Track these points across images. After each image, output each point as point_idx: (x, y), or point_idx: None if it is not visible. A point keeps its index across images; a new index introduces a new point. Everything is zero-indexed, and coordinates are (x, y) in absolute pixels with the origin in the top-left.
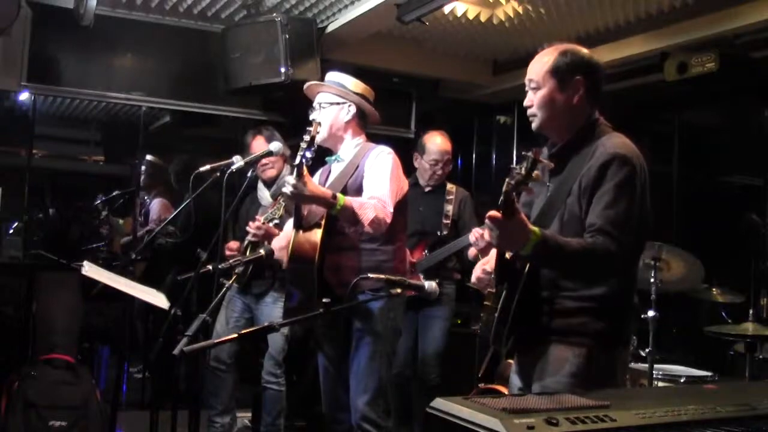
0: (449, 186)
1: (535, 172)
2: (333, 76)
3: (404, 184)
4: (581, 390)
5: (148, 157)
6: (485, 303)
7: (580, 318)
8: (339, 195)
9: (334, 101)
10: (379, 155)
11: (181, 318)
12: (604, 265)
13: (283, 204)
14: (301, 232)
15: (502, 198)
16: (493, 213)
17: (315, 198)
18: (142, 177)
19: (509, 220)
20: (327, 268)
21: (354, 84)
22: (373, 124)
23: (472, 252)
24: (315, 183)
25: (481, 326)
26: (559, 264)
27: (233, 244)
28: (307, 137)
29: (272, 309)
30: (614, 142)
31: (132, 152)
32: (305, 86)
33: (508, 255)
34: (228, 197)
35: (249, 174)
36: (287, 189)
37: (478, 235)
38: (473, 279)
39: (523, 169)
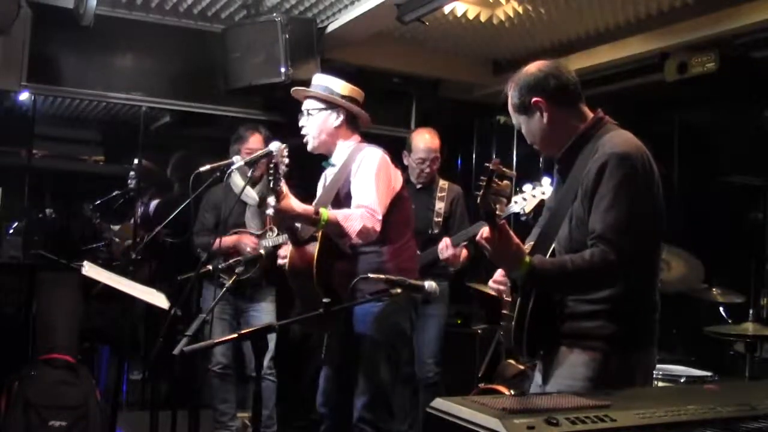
0: (441, 183)
1: (504, 181)
2: (320, 80)
3: (396, 183)
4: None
5: (142, 162)
6: (503, 312)
7: (594, 321)
8: (321, 210)
9: (322, 107)
10: (364, 159)
11: (182, 318)
12: (604, 276)
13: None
14: (296, 247)
15: (482, 212)
16: (484, 235)
17: (297, 217)
18: (135, 181)
19: (498, 235)
20: (329, 275)
21: (342, 87)
22: (365, 126)
23: (442, 256)
24: (296, 202)
25: (503, 335)
26: (555, 289)
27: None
28: (273, 161)
29: (264, 314)
30: (614, 141)
31: (132, 152)
32: (292, 91)
33: None
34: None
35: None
36: (270, 211)
37: (443, 245)
38: (490, 283)
39: (484, 181)
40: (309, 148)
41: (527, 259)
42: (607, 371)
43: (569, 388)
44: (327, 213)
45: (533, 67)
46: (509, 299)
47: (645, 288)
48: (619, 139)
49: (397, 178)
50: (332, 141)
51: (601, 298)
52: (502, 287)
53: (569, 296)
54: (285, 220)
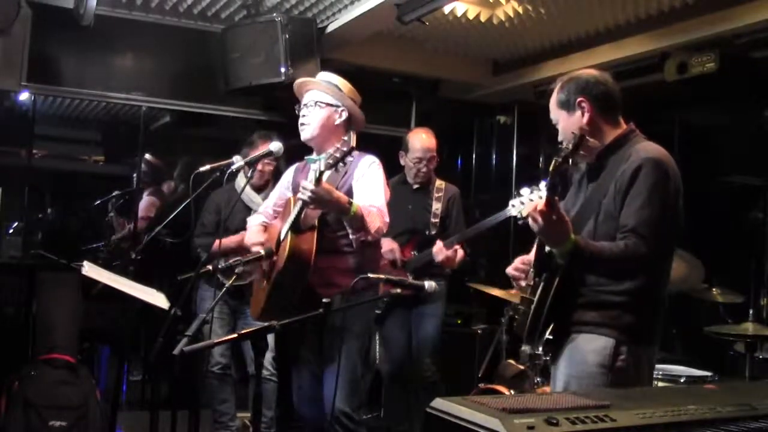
0: (438, 183)
1: (581, 152)
2: (327, 77)
3: (387, 195)
4: (606, 382)
5: (147, 156)
6: (523, 296)
7: (612, 311)
8: (353, 202)
9: (330, 102)
10: (371, 166)
11: (182, 318)
12: (634, 266)
13: None
14: (296, 234)
15: (549, 177)
16: (539, 207)
17: (333, 203)
18: (141, 176)
19: (553, 209)
20: (313, 270)
21: (348, 88)
22: (359, 128)
23: (437, 258)
24: (334, 189)
25: (518, 318)
26: (589, 269)
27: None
28: (345, 149)
29: None
30: (648, 148)
31: (132, 152)
32: (298, 81)
33: (548, 249)
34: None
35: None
36: (304, 194)
37: (437, 249)
38: (509, 269)
39: (570, 144)
40: (304, 137)
41: (573, 236)
42: (617, 360)
43: (582, 374)
44: (357, 205)
45: (584, 72)
46: (528, 282)
47: (659, 285)
48: (651, 147)
49: (387, 190)
50: (328, 138)
51: (622, 290)
52: (521, 274)
53: (593, 285)
54: (320, 204)
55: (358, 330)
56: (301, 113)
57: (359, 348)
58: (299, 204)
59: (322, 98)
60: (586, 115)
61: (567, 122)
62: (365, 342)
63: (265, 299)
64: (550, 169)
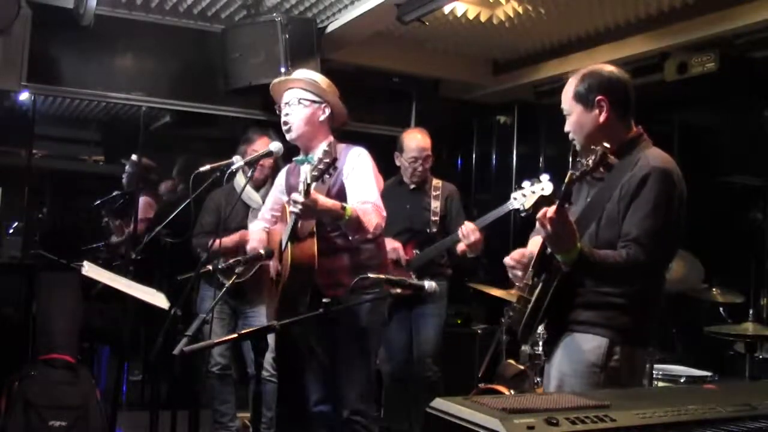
0: (435, 182)
1: (600, 169)
2: (306, 74)
3: (380, 183)
4: (598, 381)
5: (134, 157)
6: (520, 295)
7: (608, 311)
8: (346, 206)
9: (313, 99)
10: (359, 157)
11: (181, 318)
12: (634, 274)
13: None
14: (296, 243)
15: (563, 188)
16: (549, 213)
17: (325, 212)
18: (130, 176)
19: (562, 216)
20: (318, 271)
21: (326, 83)
22: (342, 122)
23: (460, 247)
24: (324, 197)
25: (513, 315)
26: (592, 275)
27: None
28: (327, 160)
29: (263, 317)
30: (656, 156)
31: (132, 152)
32: (276, 81)
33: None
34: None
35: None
36: (295, 208)
37: (468, 230)
38: (506, 259)
39: (590, 161)
40: (290, 137)
41: (579, 244)
42: (610, 360)
43: (572, 370)
44: (350, 208)
45: (608, 69)
46: (527, 282)
47: (656, 289)
48: (660, 154)
49: (380, 179)
50: (314, 135)
51: (618, 292)
52: (518, 265)
53: (591, 286)
54: (312, 215)
55: (370, 328)
56: (283, 113)
57: (370, 346)
58: (293, 217)
59: (304, 96)
60: (603, 115)
61: (581, 117)
62: (377, 339)
63: (279, 308)
64: (566, 181)
